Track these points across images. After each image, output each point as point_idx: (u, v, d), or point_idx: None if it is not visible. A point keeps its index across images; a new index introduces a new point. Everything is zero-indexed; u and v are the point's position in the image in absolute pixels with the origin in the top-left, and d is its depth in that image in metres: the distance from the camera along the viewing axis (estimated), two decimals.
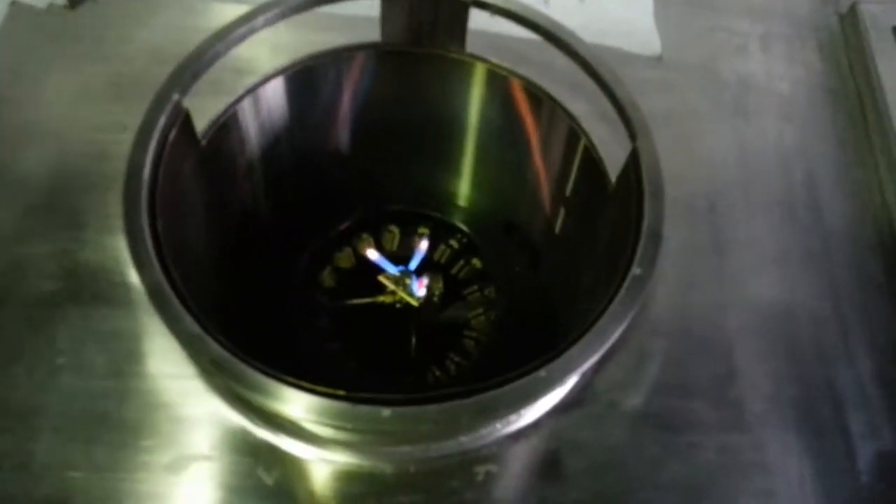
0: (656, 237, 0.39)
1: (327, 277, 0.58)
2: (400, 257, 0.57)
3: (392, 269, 0.54)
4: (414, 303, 0.53)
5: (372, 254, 0.55)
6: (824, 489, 0.43)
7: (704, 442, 0.43)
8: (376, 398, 0.35)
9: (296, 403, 0.34)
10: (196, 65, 0.43)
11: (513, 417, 0.42)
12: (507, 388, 0.35)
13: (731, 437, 0.44)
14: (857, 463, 0.43)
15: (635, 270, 0.39)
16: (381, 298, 0.54)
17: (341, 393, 0.35)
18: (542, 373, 0.35)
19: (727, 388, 0.45)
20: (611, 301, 0.38)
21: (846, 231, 0.52)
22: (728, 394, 0.45)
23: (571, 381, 0.44)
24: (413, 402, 0.35)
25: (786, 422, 0.44)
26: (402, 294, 0.53)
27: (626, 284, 0.38)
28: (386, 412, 0.34)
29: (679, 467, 0.43)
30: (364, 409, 0.34)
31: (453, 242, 0.61)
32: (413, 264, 0.56)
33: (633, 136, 0.42)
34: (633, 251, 0.39)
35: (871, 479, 0.43)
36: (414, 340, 0.56)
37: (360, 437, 0.41)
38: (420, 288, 0.53)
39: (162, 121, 0.41)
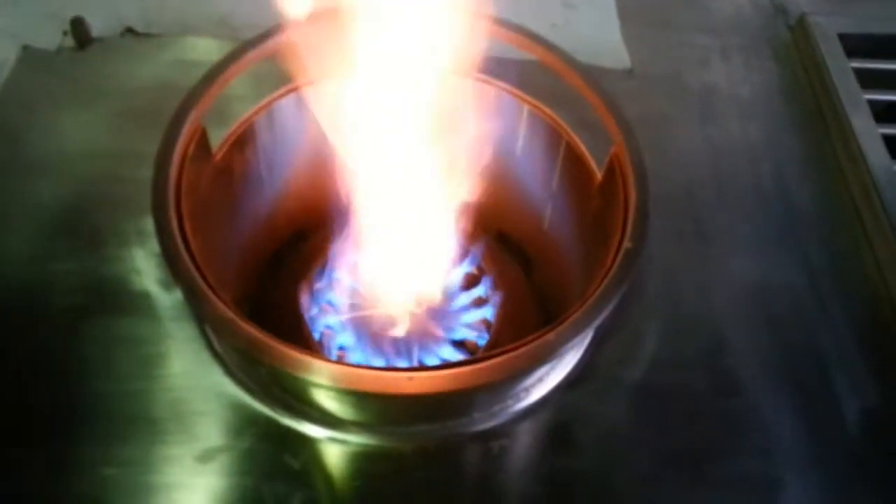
0: (644, 214, 0.43)
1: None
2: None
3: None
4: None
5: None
6: (817, 445, 0.45)
7: (703, 408, 0.46)
8: (398, 368, 0.37)
9: (325, 375, 0.37)
10: (211, 84, 0.46)
11: (523, 394, 0.45)
12: (520, 351, 0.38)
13: (727, 402, 0.47)
14: (845, 420, 0.46)
15: (627, 244, 0.42)
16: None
17: (366, 365, 0.38)
18: (552, 336, 0.38)
19: (719, 359, 0.48)
20: (607, 273, 0.41)
21: (814, 212, 0.56)
22: (720, 364, 0.48)
23: (576, 355, 0.47)
24: (432, 368, 0.38)
25: (776, 386, 0.47)
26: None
27: (619, 258, 0.42)
28: (408, 377, 0.36)
29: (681, 434, 0.46)
30: (389, 375, 0.37)
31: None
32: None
33: (618, 130, 0.46)
34: (624, 228, 0.43)
35: (859, 433, 0.46)
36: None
37: (380, 417, 0.43)
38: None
39: (182, 134, 0.44)
